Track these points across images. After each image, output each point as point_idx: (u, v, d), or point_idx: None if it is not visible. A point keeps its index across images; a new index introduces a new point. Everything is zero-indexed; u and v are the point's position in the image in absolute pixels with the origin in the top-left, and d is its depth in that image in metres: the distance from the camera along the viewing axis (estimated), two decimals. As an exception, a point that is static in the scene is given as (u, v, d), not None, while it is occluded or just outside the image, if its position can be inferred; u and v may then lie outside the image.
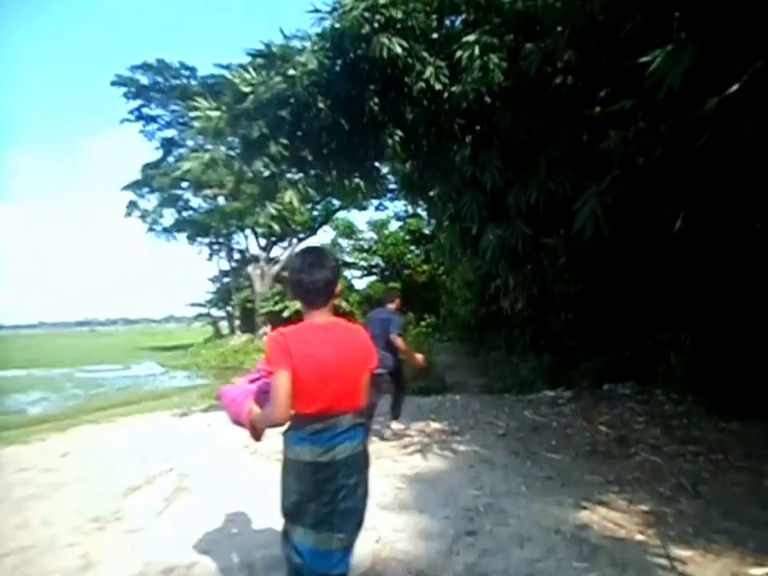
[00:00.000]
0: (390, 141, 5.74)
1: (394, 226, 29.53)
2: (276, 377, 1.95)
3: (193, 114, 5.40)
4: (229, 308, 34.95)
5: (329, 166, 5.92)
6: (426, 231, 28.20)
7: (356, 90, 5.44)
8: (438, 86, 5.51)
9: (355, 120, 5.74)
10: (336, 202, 30.51)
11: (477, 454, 5.13)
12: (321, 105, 5.44)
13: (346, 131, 5.71)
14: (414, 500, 4.04)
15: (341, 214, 30.48)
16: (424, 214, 29.00)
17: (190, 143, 27.46)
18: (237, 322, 33.66)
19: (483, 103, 5.68)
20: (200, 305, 37.82)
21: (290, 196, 5.69)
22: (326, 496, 2.02)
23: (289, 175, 5.82)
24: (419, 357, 5.83)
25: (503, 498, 3.99)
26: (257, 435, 2.27)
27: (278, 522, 2.25)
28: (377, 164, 5.89)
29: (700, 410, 6.06)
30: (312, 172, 5.96)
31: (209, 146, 6.08)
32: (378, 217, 30.23)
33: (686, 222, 4.51)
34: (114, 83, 31.13)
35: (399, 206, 30.38)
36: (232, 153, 5.66)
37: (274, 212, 5.82)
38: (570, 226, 5.41)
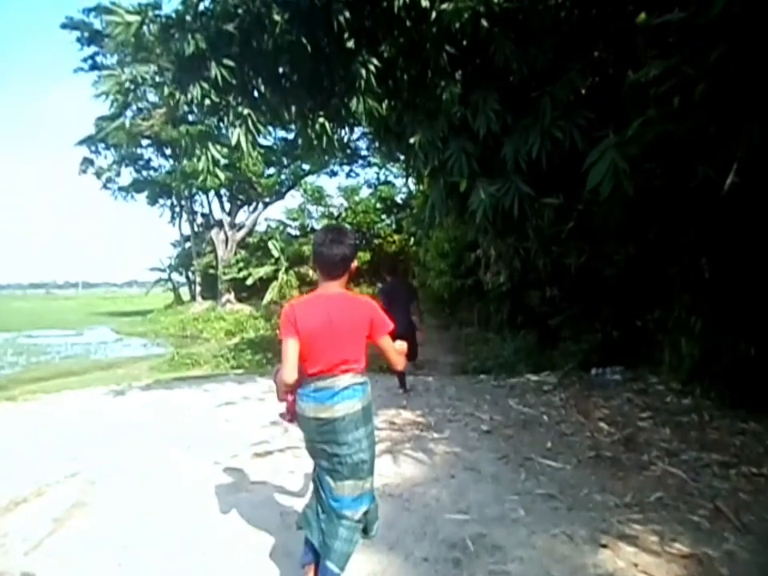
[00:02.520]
0: (362, 72, 4.61)
1: (366, 193, 28.25)
2: (284, 344, 2.25)
3: (108, 17, 4.17)
4: (190, 274, 33.55)
5: (286, 99, 4.78)
6: (399, 200, 27.10)
7: (322, 0, 4.29)
8: (424, 2, 4.41)
9: (320, 42, 4.61)
10: (305, 167, 29.23)
11: (459, 458, 4.22)
12: (277, 18, 4.27)
13: (308, 56, 4.57)
14: (383, 528, 3.10)
15: (310, 179, 29.06)
16: (397, 181, 28.15)
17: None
18: (198, 289, 32.28)
19: (479, 28, 4.60)
20: (160, 270, 36.26)
21: (237, 135, 4.57)
22: (332, 448, 2.27)
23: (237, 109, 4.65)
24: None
25: (497, 527, 3.08)
26: (290, 416, 2.46)
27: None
28: (346, 101, 4.76)
29: (709, 404, 5.29)
30: (265, 107, 4.82)
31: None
32: (349, 183, 28.81)
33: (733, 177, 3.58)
34: (63, 26, 28.54)
35: (371, 173, 29.16)
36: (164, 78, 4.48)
37: (217, 156, 4.63)
38: (579, 183, 4.46)
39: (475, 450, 4.39)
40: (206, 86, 4.25)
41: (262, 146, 28.56)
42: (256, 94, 4.71)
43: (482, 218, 4.92)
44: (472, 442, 4.62)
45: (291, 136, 27.87)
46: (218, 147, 4.73)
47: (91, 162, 30.65)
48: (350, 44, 4.76)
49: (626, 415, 5.18)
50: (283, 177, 29.43)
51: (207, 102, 4.36)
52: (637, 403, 5.60)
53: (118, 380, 10.78)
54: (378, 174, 29.06)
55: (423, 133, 4.96)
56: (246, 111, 4.58)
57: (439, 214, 5.41)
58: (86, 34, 28.96)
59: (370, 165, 29.52)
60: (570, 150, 4.56)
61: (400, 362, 2.47)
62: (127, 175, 30.48)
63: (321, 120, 4.85)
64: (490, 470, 3.94)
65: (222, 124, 4.83)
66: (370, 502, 2.39)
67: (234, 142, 4.62)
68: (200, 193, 30.20)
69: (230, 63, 4.29)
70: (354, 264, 2.40)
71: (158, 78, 4.32)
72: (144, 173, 31.07)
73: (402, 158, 5.38)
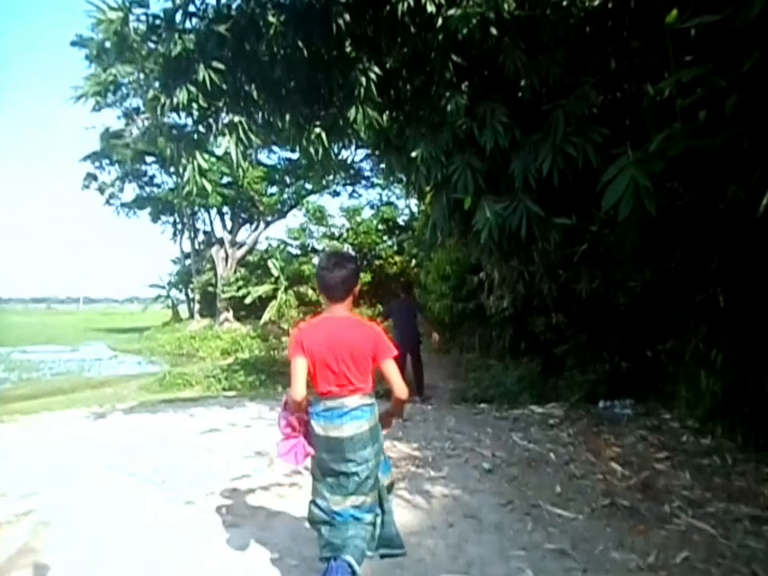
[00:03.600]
0: (362, 80, 4.31)
1: (368, 214, 28.01)
2: (292, 363, 2.40)
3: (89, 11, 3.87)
4: (189, 291, 33.25)
5: (281, 107, 4.48)
6: (401, 221, 26.85)
7: (321, 2, 4.01)
8: (430, 8, 4.13)
9: (318, 47, 4.32)
10: (308, 186, 29.08)
11: (458, 503, 3.80)
12: (272, 20, 3.99)
13: (304, 61, 4.28)
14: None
15: (312, 198, 28.89)
16: (399, 202, 27.96)
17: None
18: (197, 306, 31.96)
19: (488, 36, 4.32)
20: (159, 286, 35.99)
21: (226, 143, 4.25)
22: (339, 465, 2.39)
23: (226, 116, 4.35)
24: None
25: (501, 592, 2.67)
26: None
27: None
28: (344, 111, 4.45)
29: (731, 445, 4.87)
30: (259, 114, 4.52)
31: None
32: (351, 204, 28.60)
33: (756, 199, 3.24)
34: (73, 43, 28.71)
35: (374, 194, 29.01)
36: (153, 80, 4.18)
37: (204, 165, 4.31)
38: (593, 203, 4.13)
39: (476, 493, 3.96)
40: (193, 89, 3.94)
41: (265, 165, 28.80)
42: (248, 100, 4.41)
43: (487, 239, 4.58)
44: (473, 482, 4.20)
45: (295, 156, 28.16)
46: (206, 156, 4.41)
47: (94, 178, 30.66)
48: (350, 50, 4.48)
49: (640, 455, 4.75)
50: (285, 196, 29.28)
51: (195, 107, 4.06)
52: (651, 442, 5.18)
53: (104, 400, 10.39)
54: (380, 194, 28.96)
55: (426, 146, 4.64)
56: (236, 118, 4.27)
57: (441, 233, 5.07)
58: (95, 52, 29.23)
59: (372, 186, 29.45)
60: (583, 168, 4.24)
61: (402, 390, 2.45)
62: (130, 191, 30.44)
63: (317, 130, 4.53)
64: (493, 519, 3.52)
65: (210, 132, 4.53)
66: (371, 512, 2.47)
67: (222, 150, 4.31)
68: (202, 210, 30.10)
69: (220, 66, 3.99)
70: (357, 287, 2.51)
71: (142, 81, 4.02)
72: (147, 189, 31.03)
73: (403, 173, 5.02)
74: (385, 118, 4.86)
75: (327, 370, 2.36)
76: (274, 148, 29.88)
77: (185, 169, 4.40)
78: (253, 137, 4.35)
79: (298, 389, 2.34)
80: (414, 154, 4.67)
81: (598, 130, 4.26)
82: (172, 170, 31.15)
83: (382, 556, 2.64)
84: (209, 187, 4.57)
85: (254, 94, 4.37)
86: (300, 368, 2.35)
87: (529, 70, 4.34)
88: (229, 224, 30.12)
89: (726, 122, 3.26)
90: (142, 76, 4.04)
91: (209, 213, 30.28)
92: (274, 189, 29.19)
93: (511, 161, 4.51)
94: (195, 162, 4.35)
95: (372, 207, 28.47)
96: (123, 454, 5.13)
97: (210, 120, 4.40)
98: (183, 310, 35.06)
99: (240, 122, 4.28)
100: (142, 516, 3.64)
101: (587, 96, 4.24)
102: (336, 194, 30.00)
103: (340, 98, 4.56)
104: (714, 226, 3.86)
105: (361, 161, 28.79)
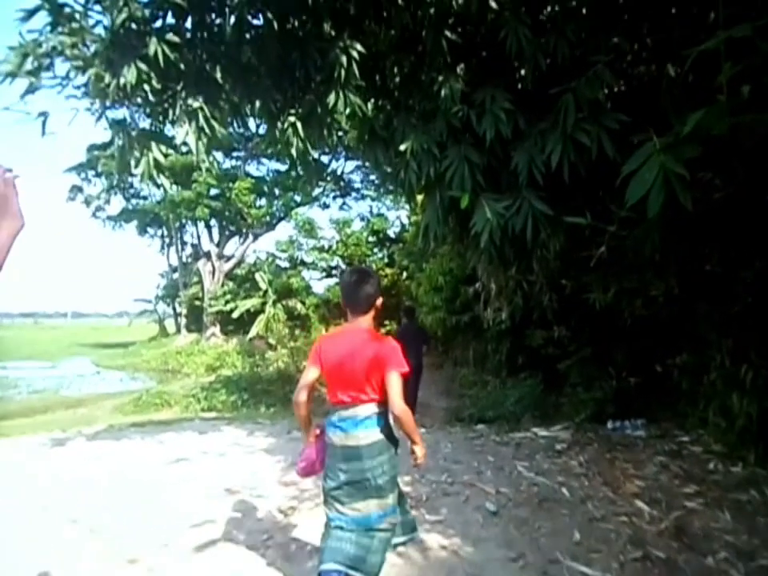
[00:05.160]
0: (343, 60, 3.73)
1: (358, 225, 27.43)
2: (305, 369, 2.57)
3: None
4: (176, 305, 32.50)
5: (249, 91, 3.89)
6: (391, 233, 26.30)
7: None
8: (421, -24, 3.57)
9: (291, 21, 3.75)
10: (297, 198, 28.50)
11: (458, 557, 3.15)
12: (237, -12, 3.41)
13: (275, 36, 3.69)
14: None
15: (301, 210, 28.30)
16: (390, 214, 27.47)
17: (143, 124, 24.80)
18: (184, 321, 31.20)
19: (487, 10, 3.78)
20: (146, 300, 35.22)
21: (185, 132, 3.66)
22: (354, 474, 2.42)
23: (185, 102, 3.74)
24: None
25: None
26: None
27: None
28: (323, 96, 3.86)
29: (766, 474, 4.28)
30: (223, 99, 3.92)
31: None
32: (341, 216, 28.01)
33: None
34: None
35: (364, 206, 28.51)
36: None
37: (160, 158, 3.69)
38: (611, 199, 3.56)
39: (480, 544, 3.32)
40: (144, 67, 3.36)
41: (253, 177, 28.24)
42: (211, 82, 3.81)
43: (487, 243, 3.98)
44: (475, 529, 3.56)
45: (283, 167, 27.61)
46: (163, 148, 3.79)
47: (80, 190, 29.96)
48: (329, 29, 3.91)
49: (666, 490, 4.14)
50: (274, 208, 28.68)
51: (147, 88, 3.45)
52: (675, 471, 4.58)
53: (74, 423, 9.68)
54: (371, 206, 28.50)
55: (417, 138, 4.05)
56: (196, 104, 3.67)
57: (435, 237, 4.46)
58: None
59: (363, 197, 29.03)
60: (597, 160, 3.67)
61: (396, 405, 2.36)
62: (117, 204, 29.79)
63: (291, 119, 3.94)
64: (503, 581, 2.89)
65: (167, 119, 3.92)
66: (395, 513, 2.52)
67: (180, 139, 3.70)
68: (189, 223, 29.46)
69: (176, 40, 3.41)
70: (380, 300, 2.59)
71: (80, 55, 3.41)
72: (134, 201, 30.38)
73: (392, 170, 4.43)
74: (370, 106, 4.28)
75: (341, 380, 2.45)
76: (263, 159, 29.58)
77: (138, 164, 3.78)
78: (216, 125, 3.75)
79: (300, 392, 2.49)
80: (402, 147, 4.08)
81: (614, 116, 3.70)
82: (159, 181, 30.83)
83: (395, 545, 2.71)
84: (167, 184, 3.95)
85: (218, 75, 3.77)
86: (309, 376, 2.52)
87: (534, 49, 3.75)
88: (216, 237, 29.46)
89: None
90: (86, 51, 3.43)
91: (196, 225, 29.61)
92: (262, 201, 28.59)
93: (514, 153, 3.93)
94: (150, 156, 3.74)
95: (362, 219, 27.94)
96: (69, 492, 4.45)
97: (167, 105, 3.80)
98: (171, 324, 34.24)
99: (201, 108, 3.68)
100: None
101: (601, 77, 3.67)
102: (326, 206, 29.58)
103: (318, 82, 3.97)
104: (760, 222, 3.29)
105: (351, 172, 28.42)
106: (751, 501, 3.84)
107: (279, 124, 4.12)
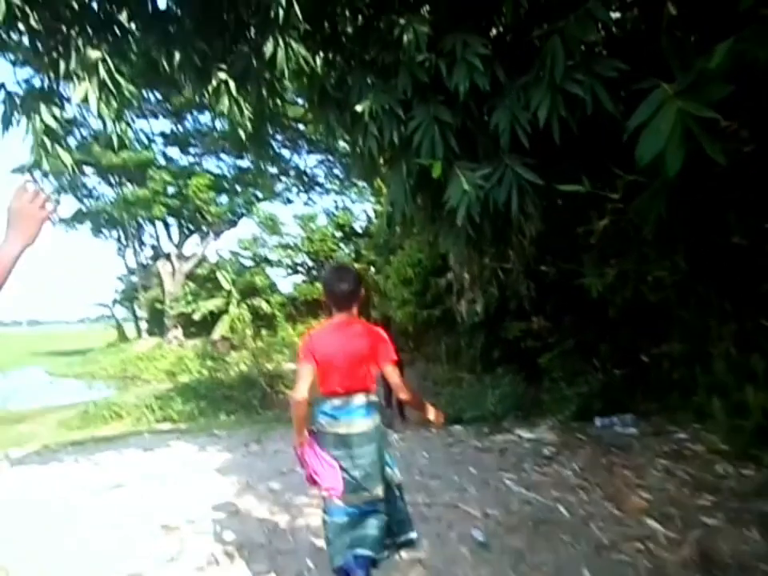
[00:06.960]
0: (282, -1, 3.02)
1: (323, 221, 26.57)
2: (300, 367, 2.58)
3: None
4: (136, 309, 31.15)
5: (165, 39, 3.13)
6: (357, 227, 25.57)
7: None
8: None
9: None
10: (259, 194, 27.48)
11: (444, 614, 2.51)
12: None
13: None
14: None
15: (264, 206, 27.32)
16: (355, 207, 26.73)
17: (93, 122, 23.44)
18: (145, 325, 29.92)
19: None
20: (104, 305, 33.74)
21: (84, 90, 2.90)
22: (346, 461, 2.47)
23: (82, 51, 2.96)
24: None
25: None
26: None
27: None
28: (259, 45, 3.14)
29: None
30: (132, 51, 3.16)
31: None
32: (306, 212, 27.07)
33: None
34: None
35: (329, 200, 27.70)
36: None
37: (51, 123, 2.90)
38: (614, 161, 2.95)
39: (470, 589, 2.67)
40: (18, 1, 2.58)
41: (211, 173, 27.09)
42: (116, 27, 3.05)
43: (464, 220, 3.33)
44: (463, 568, 2.90)
45: (244, 164, 26.54)
46: (56, 111, 3.01)
47: (28, 191, 28.32)
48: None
49: (677, 503, 3.56)
50: (235, 205, 27.59)
51: (23, 29, 2.67)
52: (681, 478, 4.02)
53: (11, 441, 8.76)
54: (335, 201, 27.66)
55: (376, 97, 3.37)
56: (96, 54, 2.90)
57: (403, 218, 3.78)
58: (20, 56, 27.01)
59: (327, 192, 28.13)
60: (594, 112, 3.05)
61: (400, 389, 2.57)
62: (68, 204, 28.26)
63: (222, 75, 3.21)
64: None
65: (59, 75, 3.13)
66: (382, 503, 2.55)
67: (78, 98, 2.92)
68: (147, 222, 28.18)
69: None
70: (362, 294, 2.69)
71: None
72: (87, 202, 28.89)
73: (348, 136, 3.73)
74: (319, 61, 3.57)
75: (335, 371, 2.49)
76: (222, 155, 28.42)
77: (27, 131, 2.99)
78: (124, 83, 2.99)
79: (300, 389, 2.49)
80: (359, 108, 3.40)
81: (610, 63, 3.09)
82: (112, 180, 29.35)
83: (399, 546, 2.73)
84: (68, 160, 3.16)
85: (124, 17, 3.01)
86: (306, 372, 2.51)
87: (513, -16, 3.11)
88: (176, 236, 28.23)
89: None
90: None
91: (154, 225, 28.34)
92: (222, 198, 27.48)
93: (493, 112, 3.28)
94: (39, 119, 2.96)
95: (327, 214, 27.08)
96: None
97: (56, 56, 3.01)
98: (131, 328, 32.86)
99: (103, 60, 2.91)
100: None
101: (593, 14, 3.05)
102: (289, 201, 28.66)
103: (252, 29, 3.25)
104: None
105: (314, 167, 27.51)
106: (778, 513, 3.29)
107: (208, 83, 3.35)
